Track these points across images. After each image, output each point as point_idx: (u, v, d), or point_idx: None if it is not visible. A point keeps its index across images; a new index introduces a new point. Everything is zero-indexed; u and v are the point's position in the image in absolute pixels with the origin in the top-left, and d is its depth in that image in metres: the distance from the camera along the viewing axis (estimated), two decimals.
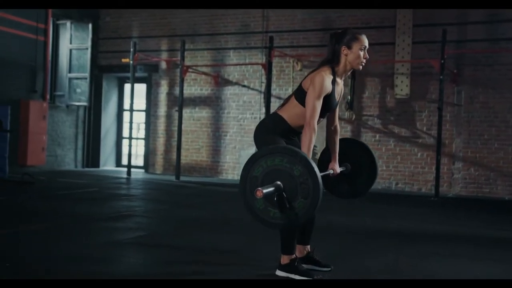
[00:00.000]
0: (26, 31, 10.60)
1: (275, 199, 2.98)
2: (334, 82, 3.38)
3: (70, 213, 5.86)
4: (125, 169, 11.09)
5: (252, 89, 10.87)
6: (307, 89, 3.33)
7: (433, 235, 5.28)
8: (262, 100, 10.60)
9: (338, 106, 3.58)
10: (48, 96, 11.19)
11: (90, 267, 3.57)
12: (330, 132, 3.67)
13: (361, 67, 3.42)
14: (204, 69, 11.17)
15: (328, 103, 3.37)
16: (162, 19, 11.66)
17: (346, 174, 3.76)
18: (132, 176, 10.55)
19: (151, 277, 3.38)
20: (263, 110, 10.35)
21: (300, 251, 3.61)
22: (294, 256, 3.42)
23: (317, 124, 3.42)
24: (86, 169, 12.07)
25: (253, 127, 10.54)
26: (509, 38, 9.17)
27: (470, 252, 4.52)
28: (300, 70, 10.38)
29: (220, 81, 11.13)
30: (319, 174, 2.94)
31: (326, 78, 3.31)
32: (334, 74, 3.39)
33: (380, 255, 4.26)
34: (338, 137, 3.68)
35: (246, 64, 10.81)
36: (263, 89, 10.62)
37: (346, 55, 3.37)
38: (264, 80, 10.51)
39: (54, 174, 10.31)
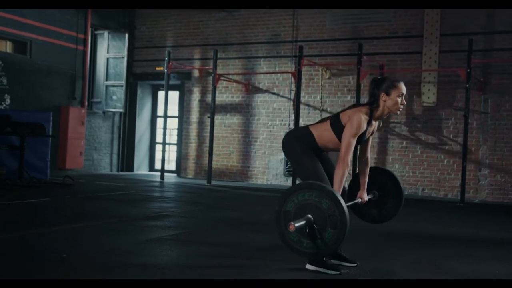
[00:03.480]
0: (67, 41, 11.15)
1: (307, 230, 3.34)
2: (369, 122, 3.68)
3: (112, 213, 6.25)
4: (158, 173, 11.52)
5: (282, 96, 11.19)
6: (345, 123, 3.64)
7: (456, 238, 5.50)
8: (292, 107, 10.91)
9: (370, 140, 3.91)
10: (86, 103, 11.72)
11: (138, 259, 3.93)
12: (361, 163, 3.98)
13: (398, 112, 3.73)
14: (235, 77, 11.54)
15: (357, 139, 3.69)
16: (195, 29, 12.09)
17: (374, 201, 4.08)
18: (165, 180, 10.96)
19: (193, 268, 3.73)
20: (292, 117, 10.66)
21: None
22: None
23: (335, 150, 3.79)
24: (121, 173, 12.54)
25: (282, 133, 10.89)
26: None
27: (491, 253, 4.72)
28: (329, 78, 10.67)
29: (251, 89, 11.48)
30: (345, 206, 3.27)
31: (363, 119, 3.63)
32: (371, 115, 3.69)
33: (404, 254, 4.51)
34: (368, 169, 3.98)
35: (276, 73, 11.14)
36: (292, 96, 10.94)
37: (384, 101, 3.67)
38: (293, 88, 10.82)
39: (91, 177, 10.79)
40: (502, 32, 9.55)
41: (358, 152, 4.00)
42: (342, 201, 3.28)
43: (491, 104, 9.58)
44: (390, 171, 4.33)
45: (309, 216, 3.31)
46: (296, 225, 3.22)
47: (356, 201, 3.92)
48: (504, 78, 9.51)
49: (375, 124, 3.80)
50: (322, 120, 3.84)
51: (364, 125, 3.64)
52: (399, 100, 3.65)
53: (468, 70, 8.78)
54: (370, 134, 3.81)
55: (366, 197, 3.96)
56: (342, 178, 3.56)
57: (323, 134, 3.74)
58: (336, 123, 3.70)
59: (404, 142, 10.12)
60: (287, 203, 3.42)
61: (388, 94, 3.65)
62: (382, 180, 4.13)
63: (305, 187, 3.40)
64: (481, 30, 9.64)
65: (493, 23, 9.62)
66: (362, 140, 3.76)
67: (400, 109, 3.71)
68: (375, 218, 4.19)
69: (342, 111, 3.75)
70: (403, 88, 3.68)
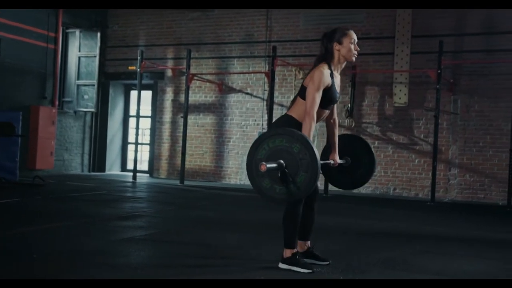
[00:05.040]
0: (37, 39, 10.98)
1: (279, 175, 3.33)
2: (332, 75, 3.74)
3: (84, 213, 6.17)
4: (130, 174, 11.42)
5: (255, 96, 11.20)
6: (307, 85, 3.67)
7: (426, 236, 5.58)
8: (265, 107, 10.93)
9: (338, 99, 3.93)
10: (57, 102, 11.55)
11: (111, 259, 3.89)
12: (330, 124, 4.04)
13: (354, 58, 3.80)
14: (209, 77, 11.51)
15: (330, 94, 3.73)
16: (168, 28, 12.02)
17: (346, 167, 4.14)
18: (138, 180, 10.87)
19: (166, 267, 3.71)
20: (266, 117, 10.69)
21: (301, 246, 3.92)
22: (295, 250, 3.73)
23: (322, 118, 3.81)
24: (92, 173, 12.39)
25: (255, 133, 10.91)
26: (504, 49, 9.49)
27: (461, 251, 4.81)
28: (302, 78, 10.70)
29: (224, 89, 11.47)
30: (315, 148, 3.30)
31: (324, 72, 3.68)
32: (330, 68, 3.75)
33: (375, 252, 4.55)
34: (337, 129, 4.04)
35: (249, 73, 11.15)
36: (265, 96, 10.97)
37: (338, 50, 3.76)
38: (267, 88, 10.85)
39: (62, 178, 10.64)
40: (471, 34, 9.72)
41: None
42: (313, 145, 3.31)
43: (460, 105, 9.75)
44: (363, 138, 4.44)
45: (281, 161, 3.31)
46: (268, 166, 3.23)
47: (328, 161, 3.96)
48: (473, 79, 9.69)
49: (338, 76, 3.83)
50: (293, 100, 3.84)
51: (327, 78, 3.67)
52: (352, 46, 3.75)
53: (439, 71, 8.92)
54: (339, 88, 3.83)
55: (338, 159, 4.00)
56: (309, 130, 3.56)
57: (300, 110, 3.72)
58: (303, 91, 3.72)
59: (376, 142, 10.22)
60: (259, 151, 3.41)
61: (340, 43, 3.74)
62: (355, 146, 4.21)
63: (275, 134, 3.41)
64: (451, 32, 9.81)
65: (463, 25, 9.79)
66: (335, 95, 3.77)
67: (355, 55, 3.78)
68: (347, 184, 4.28)
69: (305, 79, 3.79)
70: (353, 35, 3.78)
